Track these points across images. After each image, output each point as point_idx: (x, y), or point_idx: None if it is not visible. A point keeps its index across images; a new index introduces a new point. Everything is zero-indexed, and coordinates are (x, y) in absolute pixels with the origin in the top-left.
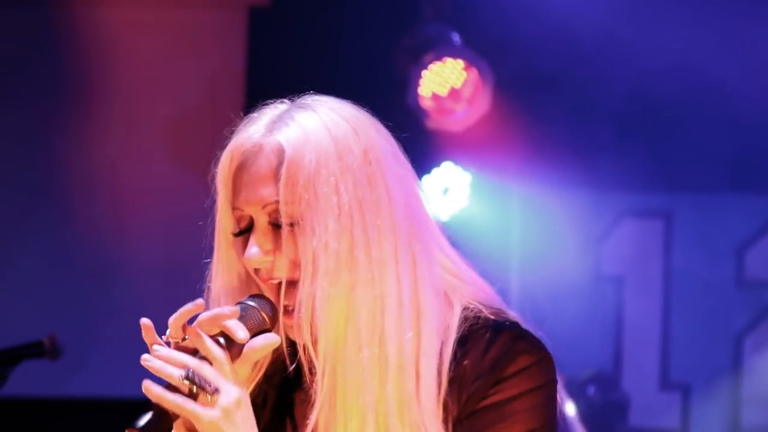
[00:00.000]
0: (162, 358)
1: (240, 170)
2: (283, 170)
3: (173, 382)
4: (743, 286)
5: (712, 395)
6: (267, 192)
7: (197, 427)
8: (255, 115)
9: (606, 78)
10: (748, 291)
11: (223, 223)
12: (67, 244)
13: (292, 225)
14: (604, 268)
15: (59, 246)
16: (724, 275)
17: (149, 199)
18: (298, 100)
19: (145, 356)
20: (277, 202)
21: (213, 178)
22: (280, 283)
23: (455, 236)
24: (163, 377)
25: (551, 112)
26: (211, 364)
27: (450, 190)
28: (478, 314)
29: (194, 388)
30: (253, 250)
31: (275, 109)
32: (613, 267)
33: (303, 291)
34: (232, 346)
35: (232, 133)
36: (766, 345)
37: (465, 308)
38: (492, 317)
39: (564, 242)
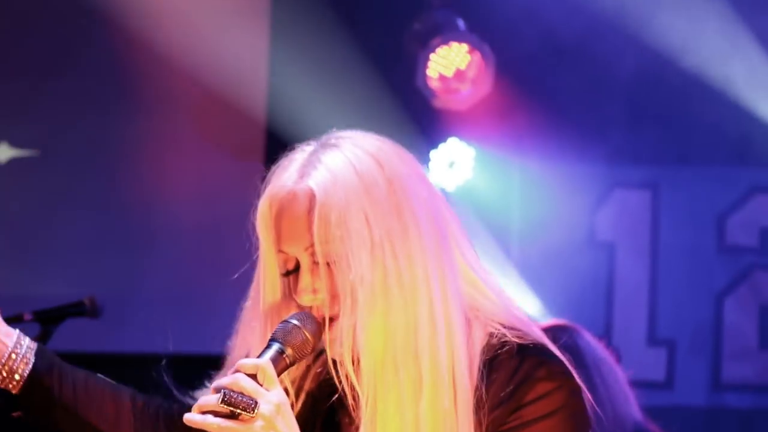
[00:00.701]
0: (198, 407)
1: (279, 217)
2: (316, 213)
3: (214, 410)
4: (723, 251)
5: (695, 350)
6: (306, 235)
7: None
8: (285, 162)
9: (597, 61)
10: (728, 255)
11: (268, 263)
12: (108, 213)
13: (330, 263)
14: (596, 236)
15: (102, 214)
16: (706, 241)
17: (183, 172)
18: (323, 139)
19: (186, 415)
20: (321, 244)
21: (253, 220)
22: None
23: (460, 206)
24: (204, 410)
25: (548, 93)
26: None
27: (455, 163)
28: (502, 339)
29: (233, 408)
30: (305, 291)
31: (303, 152)
32: (605, 234)
33: (343, 322)
34: (276, 365)
35: (262, 178)
36: (744, 304)
37: (488, 333)
38: (517, 341)
39: (560, 212)
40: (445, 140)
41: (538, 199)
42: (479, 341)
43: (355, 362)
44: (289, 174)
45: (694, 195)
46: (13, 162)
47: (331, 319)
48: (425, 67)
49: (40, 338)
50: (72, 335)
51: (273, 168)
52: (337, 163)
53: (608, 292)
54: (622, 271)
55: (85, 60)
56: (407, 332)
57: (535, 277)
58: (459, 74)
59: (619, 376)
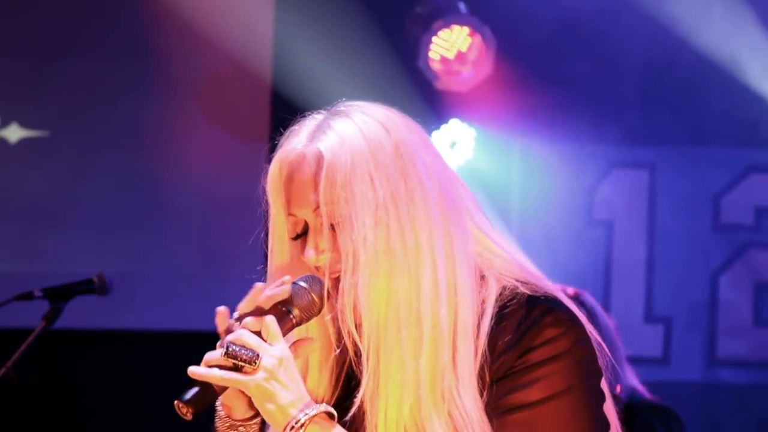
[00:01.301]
0: (204, 362)
1: (289, 180)
2: (323, 174)
3: (218, 363)
4: (718, 230)
5: (691, 327)
6: (313, 197)
7: (248, 393)
8: (296, 127)
9: (598, 42)
10: (723, 234)
11: (278, 228)
12: (119, 192)
13: (336, 224)
14: (595, 214)
15: (112, 193)
16: (701, 220)
17: (191, 151)
18: (333, 108)
19: (190, 368)
20: (327, 205)
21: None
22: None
23: None
24: (209, 365)
25: (546, 75)
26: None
27: (457, 143)
28: (514, 290)
29: (236, 361)
30: (310, 251)
31: (313, 120)
32: (603, 213)
33: (345, 282)
34: (283, 324)
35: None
36: (739, 282)
37: (502, 285)
38: (528, 292)
39: (559, 191)
40: (446, 121)
41: (537, 179)
42: (493, 294)
43: (358, 321)
44: (299, 138)
45: (691, 174)
46: (23, 142)
47: (336, 280)
48: (427, 49)
49: (50, 315)
50: (81, 312)
51: (285, 133)
52: (345, 127)
53: (606, 270)
54: (619, 250)
55: (94, 41)
56: (410, 294)
57: (534, 255)
58: (460, 56)
59: (619, 344)
